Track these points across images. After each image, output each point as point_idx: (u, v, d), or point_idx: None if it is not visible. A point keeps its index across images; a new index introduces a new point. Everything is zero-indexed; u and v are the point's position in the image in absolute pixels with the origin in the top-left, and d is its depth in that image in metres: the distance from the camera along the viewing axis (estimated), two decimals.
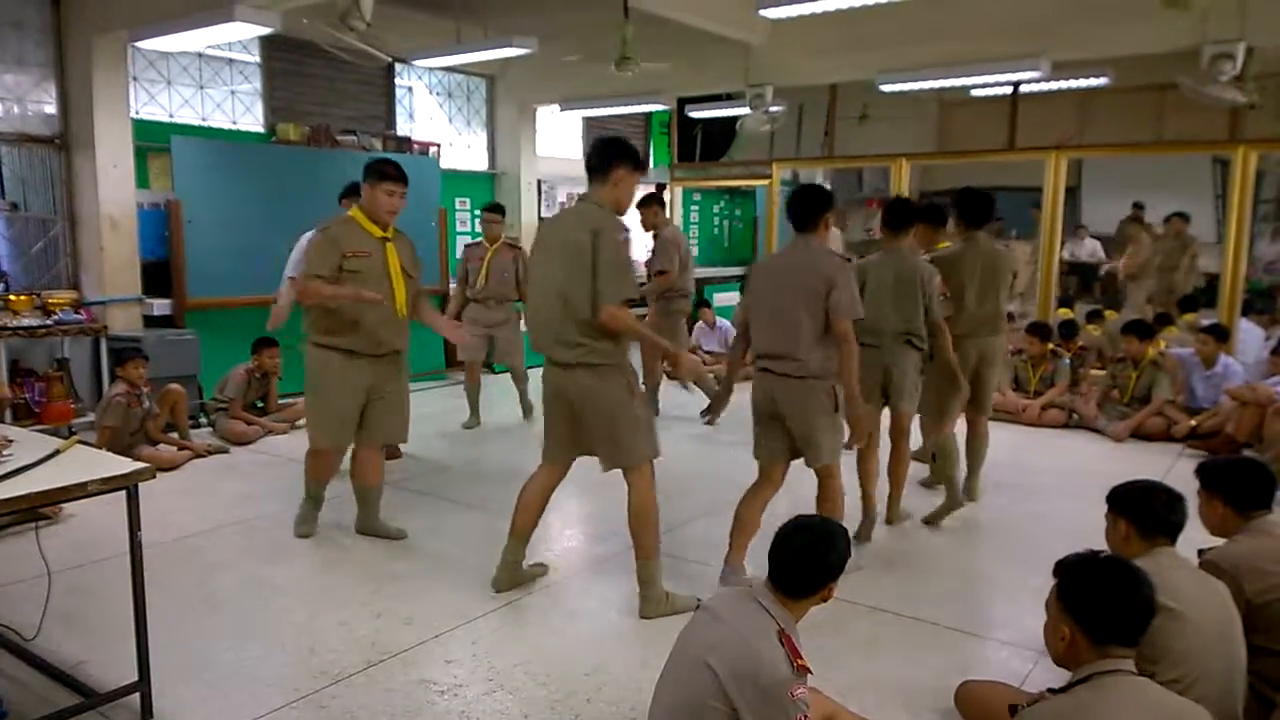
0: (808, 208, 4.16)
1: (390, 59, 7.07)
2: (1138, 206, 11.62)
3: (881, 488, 5.13)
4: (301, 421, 6.08)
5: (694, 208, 14.44)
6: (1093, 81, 9.75)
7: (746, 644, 2.41)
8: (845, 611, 4.04)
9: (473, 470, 6.52)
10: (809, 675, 2.45)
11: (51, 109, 7.47)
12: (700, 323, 10.85)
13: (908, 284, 4.85)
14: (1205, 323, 8.30)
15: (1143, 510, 2.87)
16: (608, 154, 3.92)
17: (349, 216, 4.78)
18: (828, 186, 15.66)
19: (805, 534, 2.59)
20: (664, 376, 7.96)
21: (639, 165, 3.97)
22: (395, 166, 4.72)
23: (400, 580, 4.43)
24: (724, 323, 10.74)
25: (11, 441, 3.22)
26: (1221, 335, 7.67)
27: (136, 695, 3.18)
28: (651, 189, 10.10)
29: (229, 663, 3.61)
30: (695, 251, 14.45)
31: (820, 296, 3.99)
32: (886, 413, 5.12)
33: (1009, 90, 9.64)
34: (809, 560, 2.55)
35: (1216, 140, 8.96)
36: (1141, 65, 9.00)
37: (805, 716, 2.37)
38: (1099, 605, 2.29)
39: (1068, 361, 8.09)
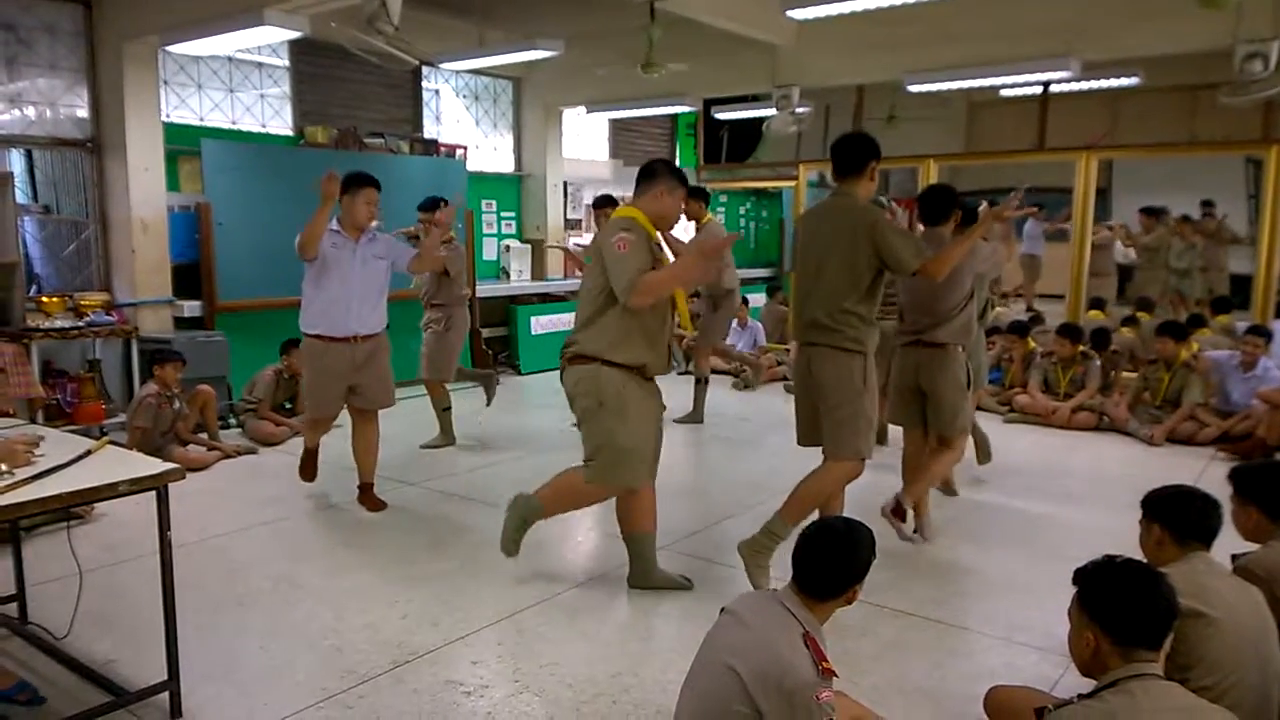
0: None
1: (418, 62, 7.10)
2: (1208, 204, 11.36)
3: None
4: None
5: (720, 209, 14.41)
6: (1123, 81, 9.67)
7: (771, 647, 2.40)
8: (872, 615, 4.02)
9: (501, 472, 6.53)
10: (835, 678, 2.43)
11: (83, 113, 7.55)
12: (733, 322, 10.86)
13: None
14: (1241, 324, 8.18)
15: (1178, 516, 2.84)
16: (865, 151, 4.15)
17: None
18: None
19: (829, 536, 2.58)
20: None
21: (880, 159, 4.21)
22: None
23: (427, 581, 4.44)
24: (755, 323, 10.74)
25: (42, 439, 3.25)
26: (1268, 337, 7.53)
27: (166, 694, 3.21)
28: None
29: (257, 662, 3.63)
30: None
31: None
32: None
33: (1039, 90, 9.58)
34: (833, 563, 2.53)
35: (1249, 140, 8.84)
36: (1173, 65, 8.93)
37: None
38: (1120, 608, 2.27)
39: (1098, 364, 8.01)
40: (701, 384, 8.06)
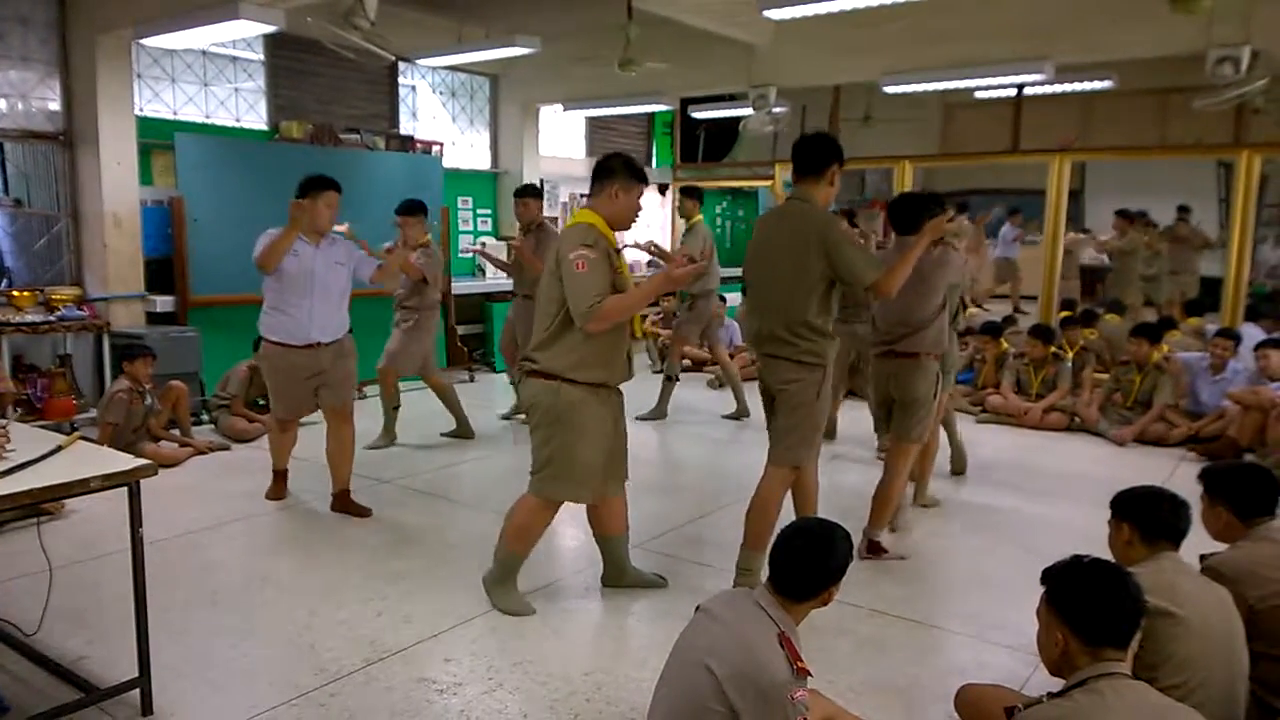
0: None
1: (394, 58, 7.08)
2: (1183, 209, 11.46)
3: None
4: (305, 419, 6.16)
5: None
6: (1096, 84, 9.74)
7: (746, 646, 2.41)
8: (847, 614, 4.04)
9: (473, 469, 6.52)
10: (809, 678, 2.44)
11: (56, 105, 7.47)
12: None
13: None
14: (1211, 327, 8.28)
15: (1146, 516, 2.87)
16: (826, 153, 4.05)
17: None
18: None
19: (806, 537, 2.59)
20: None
21: (842, 162, 4.12)
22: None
23: (401, 579, 4.43)
24: (731, 322, 10.76)
25: (5, 425, 3.20)
26: (1237, 340, 7.63)
27: (137, 691, 3.19)
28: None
29: (229, 659, 3.61)
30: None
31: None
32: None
33: (1013, 93, 9.64)
34: (809, 563, 2.54)
35: (1220, 144, 8.95)
36: (1145, 68, 9.00)
37: (805, 719, 2.37)
38: (1088, 607, 2.29)
39: (1069, 365, 8.09)
40: (670, 381, 8.10)
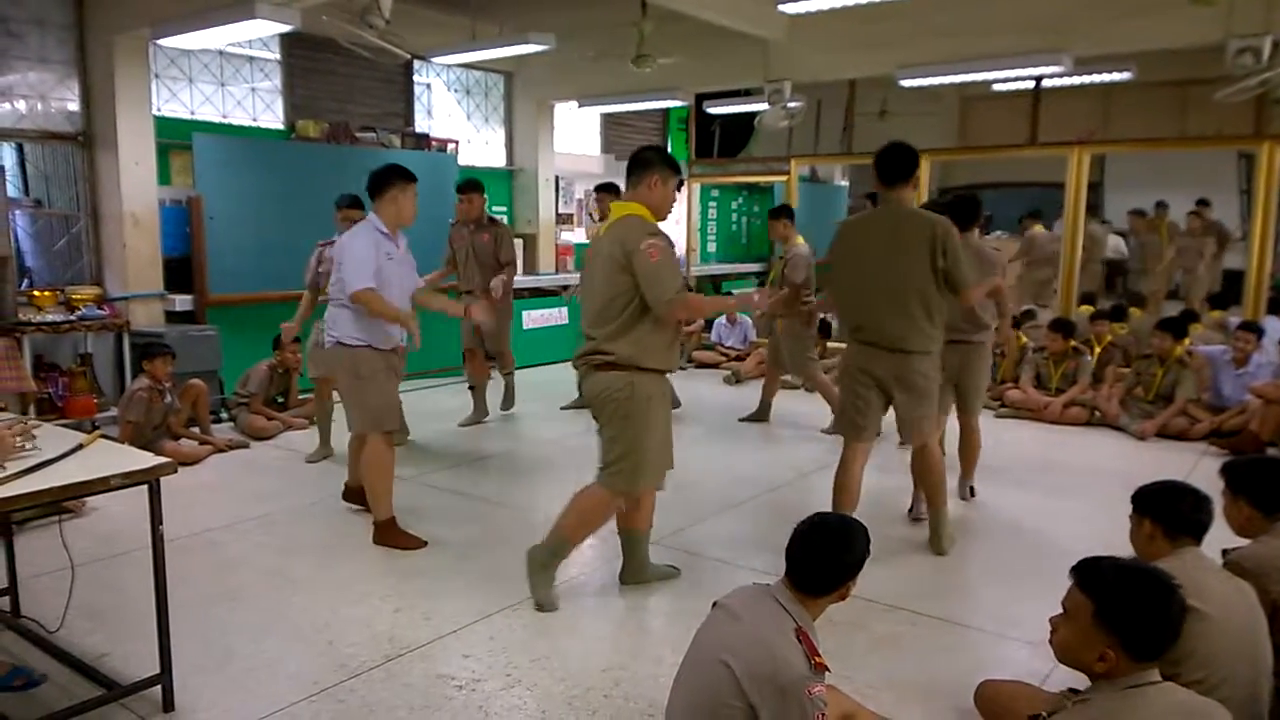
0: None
1: (409, 56, 7.09)
2: (1202, 202, 11.37)
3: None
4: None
5: (712, 204, 14.41)
6: (1115, 76, 9.67)
7: (764, 642, 2.40)
8: (864, 610, 4.03)
9: (493, 466, 6.54)
10: (827, 673, 2.44)
11: (74, 106, 7.52)
12: (722, 319, 10.89)
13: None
14: (1234, 320, 8.20)
15: (1168, 511, 2.84)
16: (912, 161, 4.46)
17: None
18: (845, 183, 15.64)
19: (822, 532, 2.58)
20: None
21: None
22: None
23: (419, 575, 4.44)
24: (744, 319, 10.76)
25: (28, 419, 3.23)
26: (1260, 333, 7.55)
27: (158, 687, 3.21)
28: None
29: (249, 656, 3.63)
30: (714, 248, 14.50)
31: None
32: None
33: (1031, 85, 9.57)
34: (826, 558, 2.53)
35: (1241, 135, 8.86)
36: (1164, 60, 8.92)
37: (823, 715, 2.36)
38: (1147, 627, 2.21)
39: (1089, 359, 8.03)
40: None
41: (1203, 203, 10.91)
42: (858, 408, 4.52)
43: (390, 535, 4.84)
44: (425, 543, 4.83)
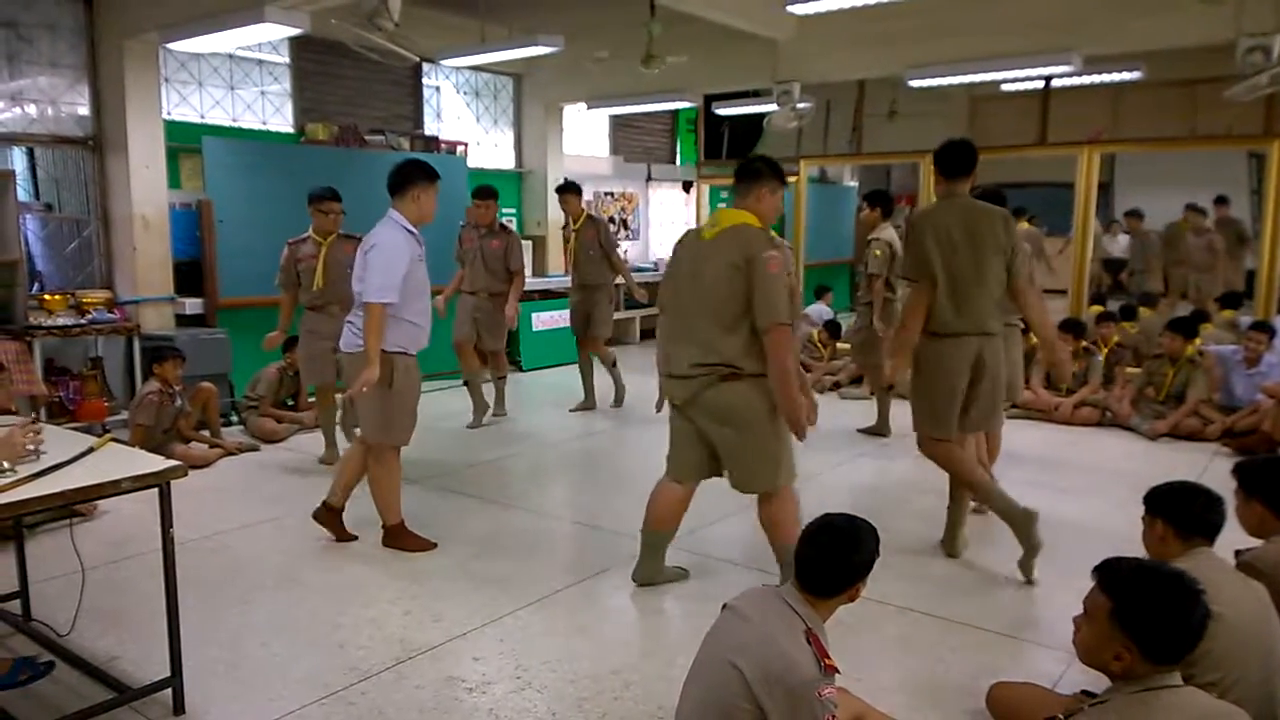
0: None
1: (418, 59, 7.09)
2: (1220, 200, 11.26)
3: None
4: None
5: (721, 204, 14.39)
6: (1125, 76, 9.64)
7: (774, 645, 2.39)
8: (875, 611, 4.01)
9: (501, 468, 6.54)
10: (837, 675, 2.43)
11: (84, 110, 7.55)
12: None
13: None
14: (1246, 319, 8.16)
15: (1181, 511, 2.82)
16: (973, 154, 4.55)
17: None
18: (855, 184, 15.61)
19: (832, 533, 2.56)
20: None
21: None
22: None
23: (429, 578, 4.45)
24: None
25: (38, 427, 3.23)
26: (1272, 333, 7.51)
27: (169, 690, 3.21)
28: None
29: (259, 659, 3.64)
30: None
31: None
32: None
33: (1040, 85, 9.55)
34: (836, 559, 2.52)
35: (1251, 135, 8.83)
36: (1174, 59, 8.89)
37: (833, 717, 2.35)
38: (1164, 628, 2.20)
39: (1100, 359, 8.00)
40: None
41: (1221, 200, 10.84)
42: (952, 401, 4.55)
43: (400, 538, 4.81)
44: (435, 544, 4.83)
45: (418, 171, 4.66)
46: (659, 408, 4.29)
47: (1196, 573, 2.46)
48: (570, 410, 8.23)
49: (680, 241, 4.15)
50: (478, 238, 7.44)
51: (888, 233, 7.08)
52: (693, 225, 12.34)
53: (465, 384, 7.79)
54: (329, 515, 4.95)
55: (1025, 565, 4.41)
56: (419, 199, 4.65)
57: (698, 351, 3.87)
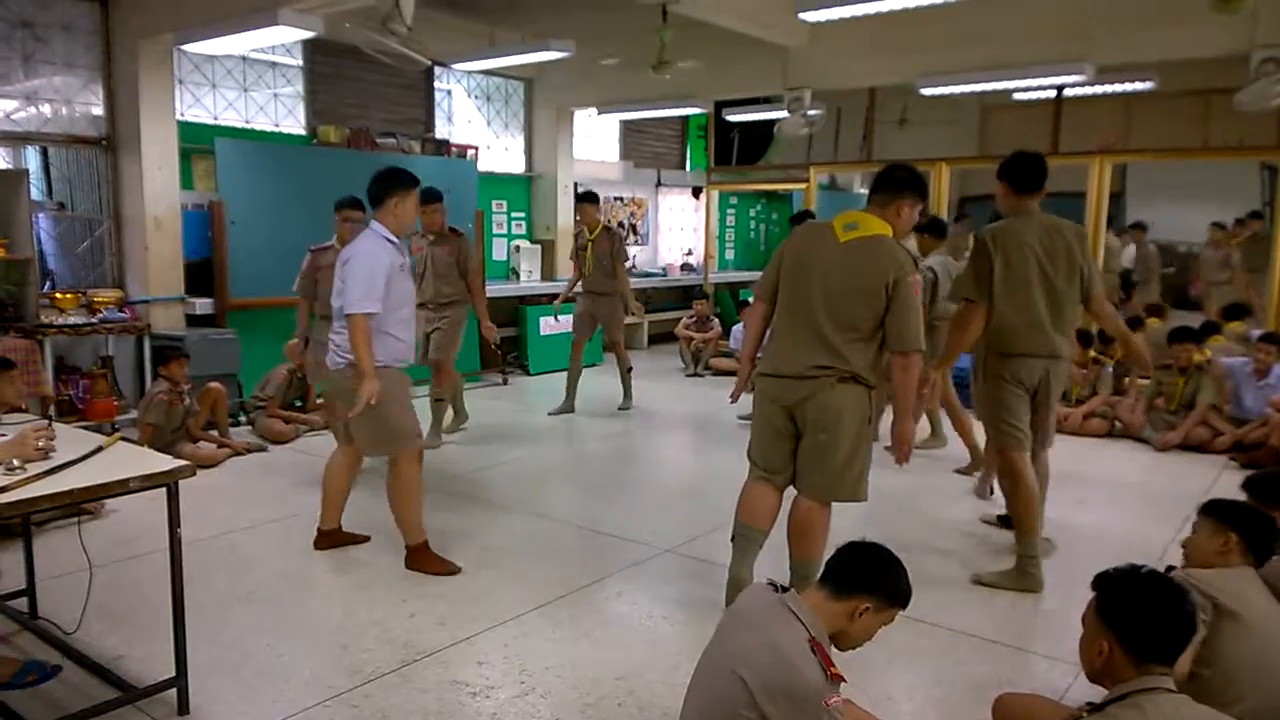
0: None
1: (430, 62, 7.11)
2: (1255, 214, 11.18)
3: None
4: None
5: (730, 211, 14.42)
6: (1137, 85, 9.62)
7: (778, 654, 2.39)
8: None
9: (508, 472, 6.54)
10: (842, 684, 2.42)
11: (99, 111, 7.59)
12: (739, 324, 10.84)
13: None
14: (1256, 332, 8.13)
15: (1258, 534, 2.91)
16: (1044, 169, 4.42)
17: None
18: (864, 191, 15.59)
19: (874, 548, 2.63)
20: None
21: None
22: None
23: (434, 581, 4.45)
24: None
25: (49, 425, 3.24)
26: None
27: (174, 690, 3.22)
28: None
29: (265, 659, 3.64)
30: (732, 255, 14.49)
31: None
32: None
33: (1052, 94, 9.53)
34: (866, 561, 2.58)
35: (1264, 146, 8.80)
36: (1187, 69, 8.87)
37: None
38: (1141, 620, 2.25)
39: (1110, 369, 7.97)
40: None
41: (1255, 215, 10.72)
42: (1019, 417, 4.46)
43: (423, 560, 4.59)
44: (460, 569, 4.57)
45: (393, 181, 4.50)
46: (735, 398, 4.40)
47: (1233, 580, 2.50)
48: (549, 413, 8.29)
49: (805, 234, 3.99)
50: (426, 245, 6.96)
51: (932, 258, 6.58)
52: (699, 231, 12.34)
53: (437, 401, 7.28)
54: (329, 538, 4.89)
55: (1002, 580, 4.49)
56: (396, 209, 4.48)
57: (822, 355, 3.73)
